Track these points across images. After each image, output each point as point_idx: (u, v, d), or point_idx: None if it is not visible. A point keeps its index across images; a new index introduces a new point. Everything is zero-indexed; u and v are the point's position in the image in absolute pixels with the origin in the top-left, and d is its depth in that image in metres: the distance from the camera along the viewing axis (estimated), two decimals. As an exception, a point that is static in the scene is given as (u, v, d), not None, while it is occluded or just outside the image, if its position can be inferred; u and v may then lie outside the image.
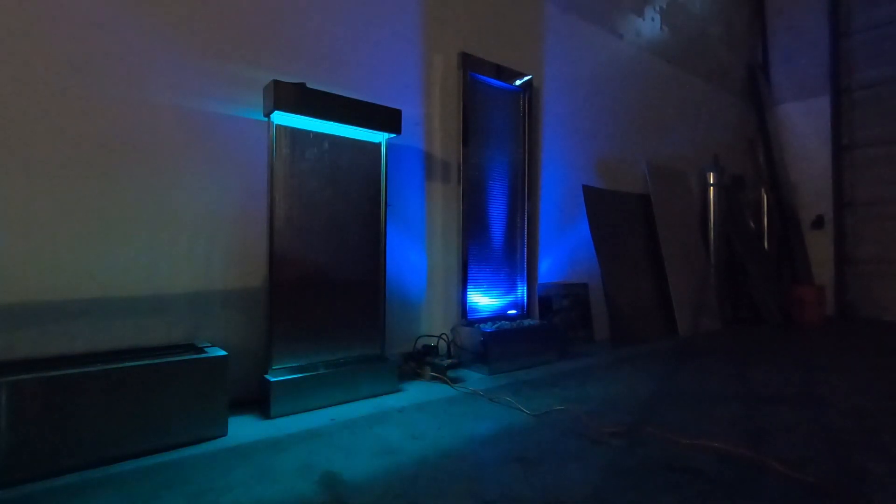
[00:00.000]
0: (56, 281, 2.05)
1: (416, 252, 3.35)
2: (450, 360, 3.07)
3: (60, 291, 2.06)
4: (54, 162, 2.07)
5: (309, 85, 2.52)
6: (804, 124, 6.98)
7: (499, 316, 3.76)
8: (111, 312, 2.18)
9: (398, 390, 2.76)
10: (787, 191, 6.89)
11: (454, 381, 2.94)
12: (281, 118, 2.49)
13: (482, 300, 3.67)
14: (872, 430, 2.23)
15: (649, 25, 5.49)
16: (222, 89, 2.50)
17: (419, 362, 3.12)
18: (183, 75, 2.39)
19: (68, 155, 2.10)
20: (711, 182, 5.80)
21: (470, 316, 3.54)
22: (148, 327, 2.27)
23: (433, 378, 3.00)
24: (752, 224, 6.40)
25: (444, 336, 3.32)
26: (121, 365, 1.85)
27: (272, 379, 2.32)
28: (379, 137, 2.86)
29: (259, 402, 2.39)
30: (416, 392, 2.76)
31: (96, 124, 2.16)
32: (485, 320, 3.61)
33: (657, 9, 5.59)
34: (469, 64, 3.56)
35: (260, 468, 1.75)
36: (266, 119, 2.53)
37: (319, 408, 2.43)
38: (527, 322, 3.70)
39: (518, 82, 3.93)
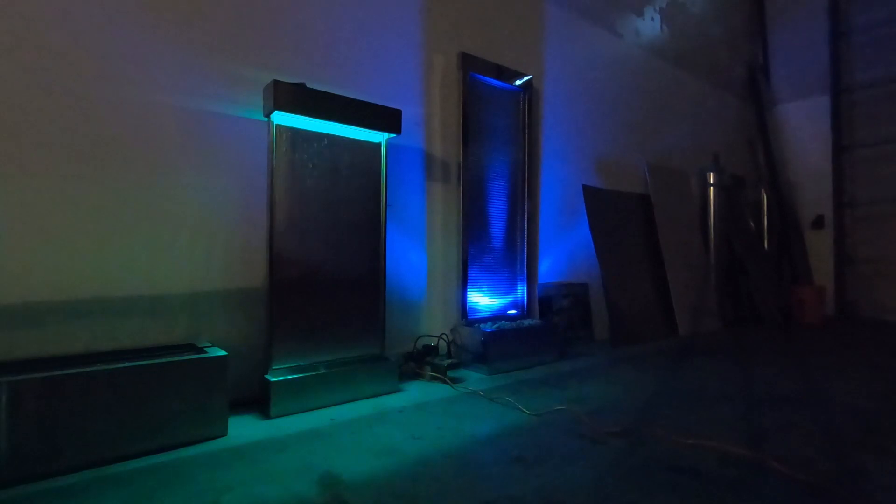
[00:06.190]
0: (56, 281, 2.05)
1: (416, 252, 3.35)
2: (450, 360, 3.07)
3: (60, 291, 2.06)
4: (54, 162, 2.06)
5: (309, 85, 2.52)
6: (804, 124, 6.98)
7: (499, 316, 3.76)
8: (111, 312, 2.17)
9: (398, 390, 2.76)
10: (787, 191, 6.89)
11: (454, 380, 2.94)
12: (281, 118, 2.48)
13: (482, 300, 3.66)
14: (872, 429, 2.23)
15: (649, 25, 5.49)
16: (222, 89, 2.50)
17: (419, 362, 3.12)
18: (183, 75, 2.39)
19: (68, 154, 2.09)
20: (711, 182, 5.80)
21: (470, 316, 3.54)
22: (148, 327, 2.27)
23: (433, 378, 3.00)
24: (752, 224, 6.40)
25: (444, 336, 3.32)
26: (121, 365, 1.85)
27: (272, 379, 2.32)
28: (379, 137, 2.86)
29: (259, 402, 2.39)
30: (416, 392, 2.76)
31: (96, 124, 2.16)
32: (485, 320, 3.61)
33: (657, 9, 5.59)
34: (469, 64, 3.56)
35: (260, 468, 1.75)
36: (266, 119, 2.53)
37: (319, 408, 2.43)
38: (527, 322, 3.70)
39: (518, 82, 3.93)
